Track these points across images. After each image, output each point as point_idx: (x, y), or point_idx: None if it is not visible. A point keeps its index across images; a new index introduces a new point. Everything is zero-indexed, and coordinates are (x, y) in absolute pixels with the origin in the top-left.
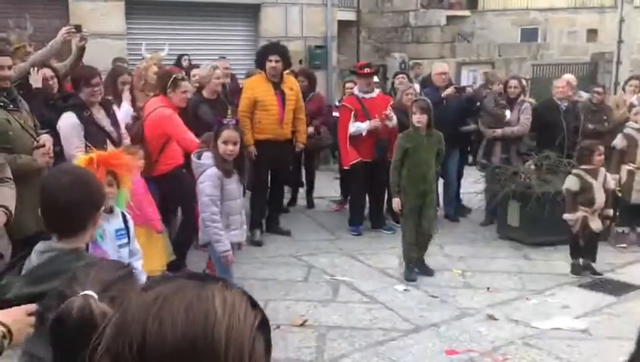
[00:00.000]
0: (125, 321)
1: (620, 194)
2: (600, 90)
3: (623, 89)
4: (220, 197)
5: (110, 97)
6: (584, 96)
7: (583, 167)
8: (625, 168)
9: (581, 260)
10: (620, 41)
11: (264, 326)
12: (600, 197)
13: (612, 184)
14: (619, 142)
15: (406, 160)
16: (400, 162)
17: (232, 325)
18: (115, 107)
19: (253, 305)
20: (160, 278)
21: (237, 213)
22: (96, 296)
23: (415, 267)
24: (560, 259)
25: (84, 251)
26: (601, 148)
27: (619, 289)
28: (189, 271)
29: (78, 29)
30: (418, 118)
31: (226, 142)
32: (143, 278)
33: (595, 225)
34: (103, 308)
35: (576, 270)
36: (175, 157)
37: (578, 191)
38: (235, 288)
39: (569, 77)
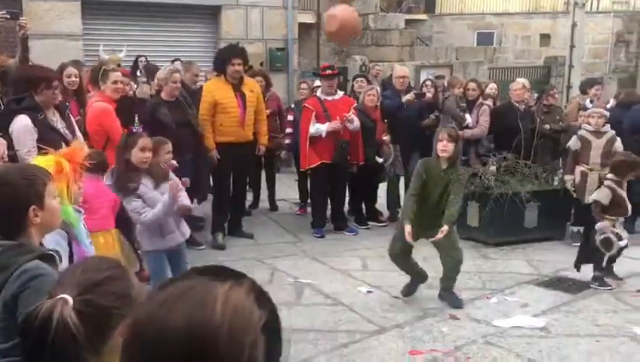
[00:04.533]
0: (136, 328)
1: (574, 195)
2: (552, 92)
3: (584, 92)
4: (144, 205)
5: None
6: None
7: (615, 177)
8: (579, 169)
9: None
10: (571, 46)
11: (270, 325)
12: (628, 206)
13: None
14: (573, 143)
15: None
16: (418, 190)
17: (231, 328)
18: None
19: (262, 302)
20: (177, 277)
21: (168, 216)
22: (70, 301)
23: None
24: (518, 259)
25: (33, 245)
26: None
27: (575, 287)
28: (205, 267)
29: (13, 16)
30: (443, 146)
31: (143, 150)
32: None
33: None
34: (63, 316)
35: (603, 282)
36: None
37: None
38: (244, 284)
39: (523, 81)
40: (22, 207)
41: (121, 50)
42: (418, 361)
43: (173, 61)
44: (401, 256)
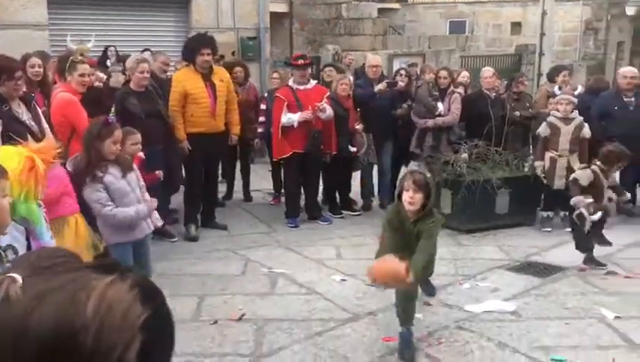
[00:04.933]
0: (3, 321)
1: (544, 181)
2: (521, 79)
3: (551, 79)
4: (108, 198)
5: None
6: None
7: (602, 165)
8: (548, 155)
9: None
10: (542, 34)
11: (154, 324)
12: (607, 198)
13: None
14: (542, 130)
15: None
16: (391, 239)
17: (101, 327)
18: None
19: (147, 299)
20: (64, 268)
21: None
22: (19, 279)
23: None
24: (490, 244)
25: None
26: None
27: (545, 271)
28: (97, 261)
29: None
30: (410, 198)
31: (116, 143)
32: None
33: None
34: (9, 293)
35: (597, 262)
36: None
37: (586, 186)
38: (128, 279)
39: (489, 69)
40: None
41: (90, 40)
42: (391, 347)
43: (142, 51)
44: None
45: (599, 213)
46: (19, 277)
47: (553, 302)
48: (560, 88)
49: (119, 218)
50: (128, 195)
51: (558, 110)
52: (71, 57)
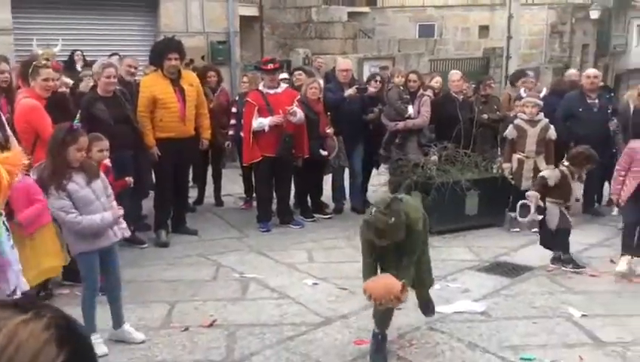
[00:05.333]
0: None
1: (512, 182)
2: (488, 82)
3: (512, 83)
4: (72, 205)
5: None
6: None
7: (571, 166)
8: (515, 157)
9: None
10: (509, 37)
11: None
12: (574, 198)
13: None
14: (509, 132)
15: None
16: (370, 256)
17: None
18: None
19: (64, 340)
20: None
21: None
22: None
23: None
24: (460, 246)
25: None
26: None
27: (513, 271)
28: (15, 299)
29: None
30: (377, 241)
31: (80, 150)
32: None
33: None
34: None
35: (575, 263)
36: None
37: (553, 186)
38: (45, 318)
39: (457, 72)
40: None
41: (56, 45)
42: (363, 351)
43: (110, 55)
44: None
45: (540, 216)
46: None
47: (522, 301)
48: (525, 91)
49: (84, 225)
50: (92, 203)
51: (524, 112)
52: (34, 62)
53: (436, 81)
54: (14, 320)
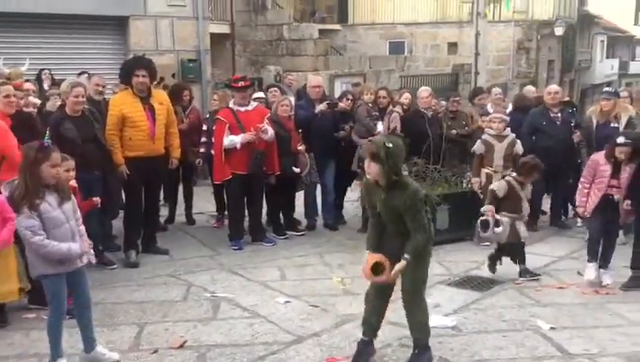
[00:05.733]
0: None
1: (481, 196)
2: (456, 98)
3: (472, 102)
4: (40, 226)
5: None
6: (443, 105)
7: (518, 176)
8: (484, 171)
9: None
10: (476, 54)
11: None
12: (526, 208)
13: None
14: (477, 147)
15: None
16: (372, 216)
17: None
18: None
19: None
20: None
21: (68, 238)
22: None
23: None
24: (430, 260)
25: None
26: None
27: (483, 285)
28: None
29: None
30: (367, 167)
31: (54, 166)
32: None
33: (523, 232)
34: None
35: (492, 268)
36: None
37: (502, 197)
38: None
39: (426, 89)
40: None
41: (24, 64)
42: None
43: (79, 74)
44: (374, 295)
45: (501, 228)
46: None
47: (491, 315)
48: (492, 107)
49: (49, 250)
50: (62, 226)
51: (491, 128)
52: None
53: (405, 98)
54: None
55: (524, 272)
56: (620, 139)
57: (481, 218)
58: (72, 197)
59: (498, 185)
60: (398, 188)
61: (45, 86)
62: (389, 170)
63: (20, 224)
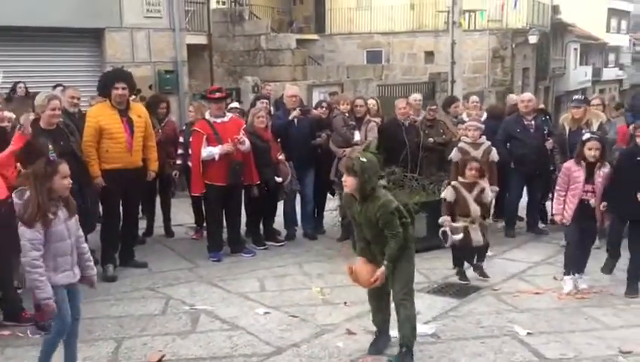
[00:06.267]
0: None
1: None
2: (433, 107)
3: (446, 111)
4: (42, 241)
5: None
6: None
7: (460, 179)
8: (460, 179)
9: (471, 266)
10: (452, 62)
11: None
12: (475, 209)
13: (490, 197)
14: (454, 155)
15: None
16: (353, 223)
17: None
18: None
19: None
20: None
21: (67, 254)
22: None
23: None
24: None
25: None
26: (474, 163)
27: (462, 291)
28: None
29: None
30: (344, 182)
31: (64, 177)
32: None
33: (475, 236)
34: None
35: (462, 277)
36: None
37: (453, 202)
38: None
39: (416, 96)
40: None
41: None
42: None
43: (54, 87)
44: (372, 297)
45: (461, 235)
46: None
47: (470, 322)
48: (469, 115)
49: (35, 277)
50: (64, 241)
51: (467, 136)
52: None
53: (370, 103)
54: None
55: (477, 269)
56: (586, 136)
57: (441, 229)
58: (76, 215)
59: (445, 192)
60: (371, 201)
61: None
62: (364, 183)
63: (24, 235)
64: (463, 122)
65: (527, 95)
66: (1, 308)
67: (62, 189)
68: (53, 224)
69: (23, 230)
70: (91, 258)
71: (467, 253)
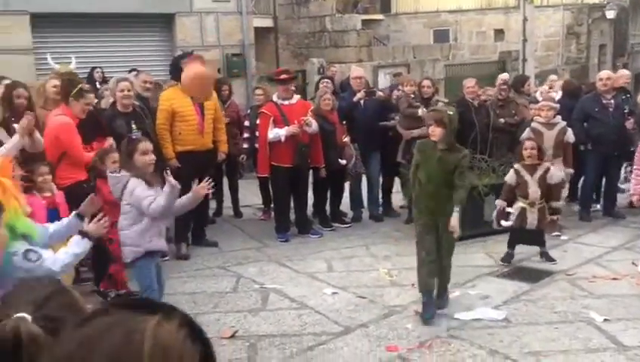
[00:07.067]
0: None
1: None
2: (504, 86)
3: (518, 90)
4: (155, 197)
5: (7, 115)
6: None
7: (522, 162)
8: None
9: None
10: (524, 40)
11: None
12: (533, 192)
13: (556, 178)
14: (526, 136)
15: (419, 171)
16: (414, 170)
17: None
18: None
19: (195, 338)
20: (96, 311)
21: (161, 221)
22: (29, 318)
23: (431, 299)
24: (478, 252)
25: None
26: (529, 142)
27: (534, 276)
28: (129, 299)
29: None
30: (432, 130)
31: (145, 153)
32: (58, 261)
33: (531, 219)
34: (31, 331)
35: (506, 258)
36: (75, 172)
37: (514, 185)
38: (174, 319)
39: (504, 76)
40: None
41: (70, 62)
42: (383, 359)
43: (129, 71)
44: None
45: (510, 222)
46: (28, 316)
47: (542, 307)
48: (542, 94)
49: (168, 204)
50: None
51: (540, 116)
52: (80, 85)
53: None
54: (150, 322)
55: (543, 255)
56: None
57: (493, 214)
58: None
59: (507, 176)
60: (452, 151)
61: (97, 84)
62: (451, 133)
63: (141, 195)
64: (537, 102)
65: (605, 72)
66: None
67: (144, 165)
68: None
69: (137, 192)
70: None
71: (524, 237)
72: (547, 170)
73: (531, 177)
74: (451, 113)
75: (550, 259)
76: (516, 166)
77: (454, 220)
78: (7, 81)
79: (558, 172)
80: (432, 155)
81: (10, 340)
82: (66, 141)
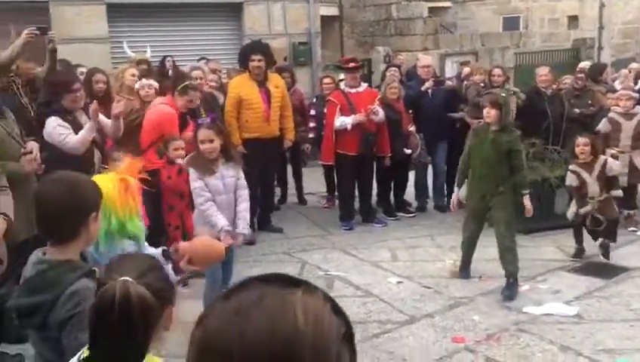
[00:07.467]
0: (209, 339)
1: None
2: (582, 75)
3: (595, 79)
4: (204, 189)
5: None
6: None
7: (576, 161)
8: (609, 152)
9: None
10: (600, 27)
11: (349, 335)
12: (593, 191)
13: (615, 169)
14: (603, 126)
15: (472, 155)
16: (467, 155)
17: (316, 338)
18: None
19: (337, 311)
20: (238, 285)
21: (224, 208)
22: (134, 281)
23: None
24: (549, 245)
25: (79, 262)
26: (581, 139)
27: (608, 272)
28: (268, 275)
29: (42, 31)
30: (487, 112)
31: (202, 142)
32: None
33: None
34: (140, 291)
35: (578, 254)
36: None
37: (578, 186)
38: (318, 293)
39: (545, 67)
40: (86, 212)
41: (145, 51)
42: (450, 350)
43: (199, 60)
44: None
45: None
46: (132, 280)
47: (617, 303)
48: (621, 82)
49: (205, 216)
50: (220, 195)
51: (618, 105)
52: (188, 82)
53: (496, 73)
54: (296, 294)
55: (603, 247)
56: None
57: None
58: (240, 172)
59: (568, 179)
60: (506, 132)
61: (169, 73)
62: (506, 115)
63: (192, 186)
64: (614, 91)
65: None
66: None
67: (205, 153)
68: (208, 179)
69: (190, 183)
70: (246, 217)
71: (595, 232)
72: (604, 163)
73: (589, 175)
74: (506, 96)
75: (606, 256)
76: (571, 167)
77: (527, 201)
78: (83, 69)
79: (615, 163)
80: (486, 138)
81: (120, 299)
82: (167, 130)
